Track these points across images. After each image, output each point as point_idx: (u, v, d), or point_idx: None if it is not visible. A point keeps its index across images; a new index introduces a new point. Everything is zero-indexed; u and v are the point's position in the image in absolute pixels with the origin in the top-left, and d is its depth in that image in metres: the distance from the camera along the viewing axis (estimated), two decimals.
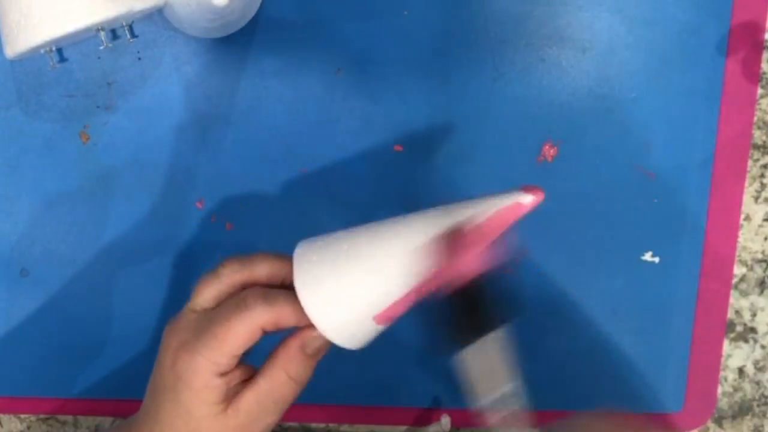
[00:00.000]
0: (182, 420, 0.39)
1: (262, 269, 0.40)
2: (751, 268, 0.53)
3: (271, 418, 0.40)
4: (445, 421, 0.54)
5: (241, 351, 0.38)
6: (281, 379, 0.39)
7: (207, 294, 0.40)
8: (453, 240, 0.37)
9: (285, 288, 0.40)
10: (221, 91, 0.50)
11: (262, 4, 0.49)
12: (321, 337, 0.39)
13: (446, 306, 0.39)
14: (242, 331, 0.38)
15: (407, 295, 0.38)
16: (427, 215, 0.38)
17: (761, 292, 0.53)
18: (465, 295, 0.38)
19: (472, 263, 0.38)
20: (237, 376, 0.39)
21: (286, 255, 0.41)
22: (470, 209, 0.37)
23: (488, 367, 0.39)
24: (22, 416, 0.56)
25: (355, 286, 0.38)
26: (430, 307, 0.39)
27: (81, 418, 0.56)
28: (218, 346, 0.38)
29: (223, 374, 0.38)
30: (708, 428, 0.55)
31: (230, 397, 0.39)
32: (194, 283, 0.41)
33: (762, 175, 0.51)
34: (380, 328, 0.39)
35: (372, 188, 0.51)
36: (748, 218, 0.52)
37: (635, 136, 0.50)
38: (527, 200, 0.37)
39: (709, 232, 0.52)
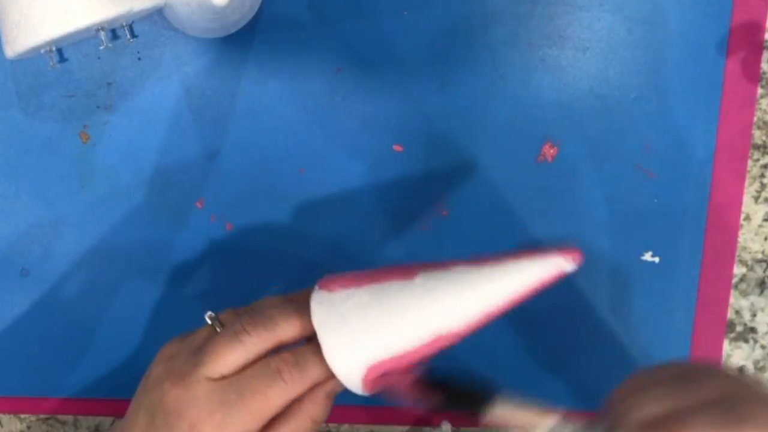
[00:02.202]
0: None
1: (288, 332, 0.39)
2: (751, 268, 0.53)
3: None
4: (446, 428, 0.54)
5: (271, 418, 0.38)
6: (307, 425, 0.39)
7: (230, 361, 0.38)
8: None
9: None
10: (221, 91, 0.50)
11: (262, 4, 0.49)
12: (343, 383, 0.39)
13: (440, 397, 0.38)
14: (279, 404, 0.37)
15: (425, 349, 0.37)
16: (456, 282, 0.37)
17: (761, 292, 0.53)
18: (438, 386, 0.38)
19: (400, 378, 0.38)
20: None
21: (305, 308, 0.39)
22: (512, 276, 0.36)
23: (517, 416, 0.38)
24: (22, 416, 0.56)
25: (382, 349, 0.37)
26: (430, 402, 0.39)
27: (81, 418, 0.56)
28: (251, 420, 0.37)
29: None
30: None
31: None
32: (208, 344, 0.39)
33: (762, 175, 0.51)
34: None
35: (372, 188, 0.51)
36: (748, 218, 0.52)
37: (635, 136, 0.50)
38: (570, 268, 0.35)
39: (709, 232, 0.52)
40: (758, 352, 0.54)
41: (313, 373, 0.38)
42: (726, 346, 0.54)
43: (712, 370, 0.36)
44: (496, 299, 0.36)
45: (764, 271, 0.53)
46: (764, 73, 0.50)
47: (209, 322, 0.41)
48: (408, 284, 0.37)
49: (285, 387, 0.37)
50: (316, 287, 0.39)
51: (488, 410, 0.38)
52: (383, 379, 0.38)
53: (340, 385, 0.39)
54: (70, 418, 0.56)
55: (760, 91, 0.50)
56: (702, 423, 0.31)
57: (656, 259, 0.52)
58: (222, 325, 0.41)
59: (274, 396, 0.37)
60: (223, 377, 0.38)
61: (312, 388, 0.39)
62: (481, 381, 0.39)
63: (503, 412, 0.38)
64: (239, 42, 0.49)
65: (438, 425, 0.54)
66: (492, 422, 0.38)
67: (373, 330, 0.37)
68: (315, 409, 0.39)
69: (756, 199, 0.52)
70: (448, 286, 0.37)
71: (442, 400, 0.38)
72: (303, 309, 0.39)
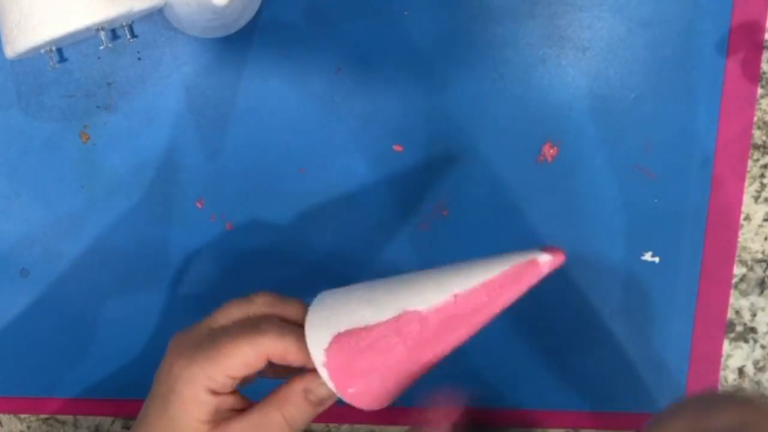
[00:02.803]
0: (166, 431, 0.38)
1: (294, 311, 0.40)
2: (751, 268, 0.53)
3: None
4: None
5: (239, 373, 0.37)
6: (275, 419, 0.38)
7: (232, 315, 0.39)
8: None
9: None
10: (221, 91, 0.50)
11: (262, 4, 0.49)
12: (326, 386, 0.38)
13: None
14: (247, 352, 0.37)
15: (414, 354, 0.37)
16: (444, 273, 0.37)
17: (761, 292, 0.53)
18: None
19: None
20: (230, 402, 0.38)
21: None
22: (487, 266, 0.36)
23: None
24: (22, 416, 0.56)
25: (347, 315, 0.37)
26: None
27: (81, 418, 0.56)
28: (218, 360, 0.37)
29: (215, 392, 0.37)
30: None
31: (218, 421, 0.38)
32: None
33: (762, 175, 0.51)
34: (391, 387, 0.39)
35: (372, 188, 0.51)
36: (748, 218, 0.52)
37: (635, 136, 0.50)
38: (544, 259, 0.35)
39: (709, 232, 0.52)
40: (758, 352, 0.54)
41: (291, 342, 0.37)
42: (726, 346, 0.54)
43: None
44: (461, 279, 0.36)
45: (764, 271, 0.53)
46: (764, 73, 0.50)
47: None
48: (395, 277, 0.39)
49: (258, 338, 0.37)
50: None
51: None
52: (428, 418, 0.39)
53: (321, 386, 0.38)
54: (70, 418, 0.56)
55: (760, 91, 0.50)
56: None
57: (656, 259, 0.52)
58: None
59: (245, 342, 0.37)
60: (222, 327, 0.39)
61: (291, 383, 0.39)
62: None
63: None
64: (239, 42, 0.50)
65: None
66: None
67: (345, 301, 0.38)
68: (287, 403, 0.38)
69: (756, 199, 0.52)
70: (422, 270, 0.38)
71: None
72: None
